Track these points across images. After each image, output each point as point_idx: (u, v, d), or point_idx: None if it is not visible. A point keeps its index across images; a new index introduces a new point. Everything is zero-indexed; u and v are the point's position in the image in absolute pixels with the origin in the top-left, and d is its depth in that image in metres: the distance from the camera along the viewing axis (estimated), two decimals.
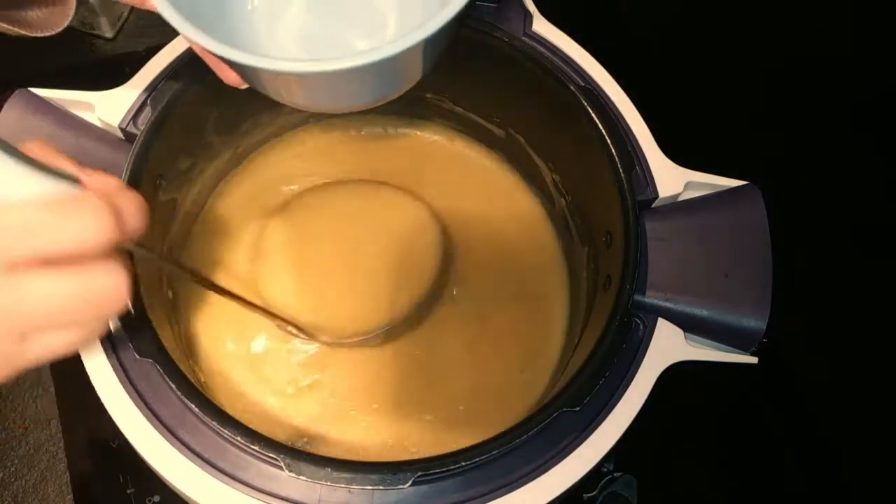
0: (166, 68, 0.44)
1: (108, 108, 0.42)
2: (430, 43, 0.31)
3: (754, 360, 0.41)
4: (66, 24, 0.43)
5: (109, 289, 0.26)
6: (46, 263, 0.25)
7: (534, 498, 0.36)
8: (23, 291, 0.25)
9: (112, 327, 0.39)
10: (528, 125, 0.52)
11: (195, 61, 0.44)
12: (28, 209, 0.24)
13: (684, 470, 0.55)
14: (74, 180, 0.27)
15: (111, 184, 0.28)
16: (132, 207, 0.27)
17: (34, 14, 0.42)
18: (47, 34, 0.42)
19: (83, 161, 0.40)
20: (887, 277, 0.52)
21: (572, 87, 0.44)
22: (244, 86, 0.37)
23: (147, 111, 0.42)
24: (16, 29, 0.40)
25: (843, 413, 0.54)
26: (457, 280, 0.52)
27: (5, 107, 0.41)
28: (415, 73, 0.36)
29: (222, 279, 0.51)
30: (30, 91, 0.42)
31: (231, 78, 0.36)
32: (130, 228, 0.27)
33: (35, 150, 0.28)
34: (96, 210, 0.25)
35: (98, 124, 0.43)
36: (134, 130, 0.42)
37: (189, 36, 0.31)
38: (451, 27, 0.31)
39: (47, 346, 0.27)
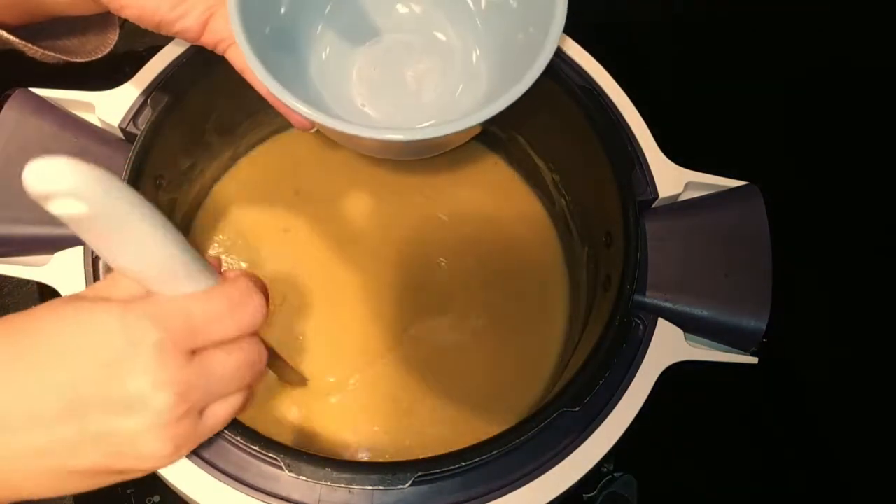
0: (166, 68, 0.44)
1: (108, 108, 0.42)
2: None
3: (754, 360, 0.41)
4: (107, 50, 0.43)
5: (260, 355, 0.31)
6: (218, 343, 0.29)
7: (534, 498, 0.36)
8: (208, 371, 0.28)
9: None
10: (529, 125, 0.51)
11: (195, 61, 0.44)
12: (210, 301, 0.28)
13: (684, 470, 0.55)
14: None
15: (248, 275, 0.32)
16: (265, 291, 0.32)
17: (72, 41, 0.42)
18: (86, 60, 0.42)
19: (84, 161, 0.41)
20: (887, 277, 0.52)
21: (572, 87, 0.44)
22: (312, 129, 0.39)
23: (147, 111, 0.42)
24: (56, 55, 0.41)
25: (843, 413, 0.54)
26: (456, 280, 0.52)
27: (5, 107, 0.41)
28: (476, 129, 0.37)
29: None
30: (30, 91, 0.42)
31: (301, 123, 0.38)
32: (266, 312, 0.31)
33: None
34: (259, 299, 0.30)
35: (98, 124, 0.43)
36: (134, 130, 0.42)
37: (290, 103, 0.34)
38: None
39: (218, 416, 0.30)
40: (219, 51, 0.37)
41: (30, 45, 0.39)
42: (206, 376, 0.28)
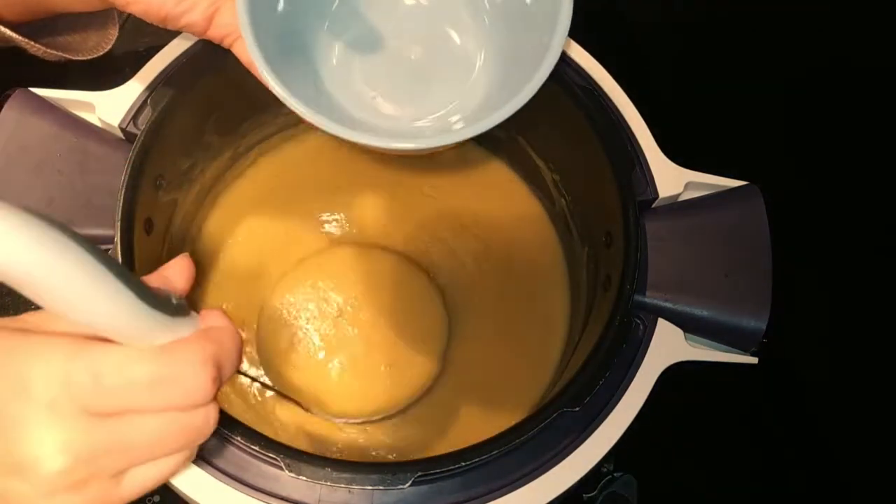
0: (166, 68, 0.44)
1: (109, 108, 0.42)
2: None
3: (754, 360, 0.41)
4: (107, 48, 0.43)
5: (206, 420, 0.27)
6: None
7: (534, 498, 0.36)
8: (122, 437, 0.25)
9: None
10: (529, 125, 0.51)
11: (195, 61, 0.44)
12: (133, 366, 0.24)
13: (684, 470, 0.55)
14: (182, 303, 0.28)
15: (218, 321, 0.29)
16: (235, 348, 0.29)
17: (73, 38, 0.42)
18: (88, 58, 0.42)
19: (83, 161, 0.41)
20: (887, 277, 0.52)
21: (572, 87, 0.44)
22: None
23: (147, 111, 0.42)
24: (57, 53, 0.41)
25: (843, 413, 0.54)
26: (456, 280, 0.52)
27: (5, 107, 0.41)
28: None
29: (221, 278, 0.51)
30: (30, 91, 0.42)
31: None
32: (230, 374, 0.28)
33: (154, 279, 0.29)
34: (203, 376, 0.26)
35: (98, 124, 0.43)
36: (134, 130, 0.42)
37: (290, 103, 0.35)
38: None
39: (143, 481, 0.27)
40: (225, 44, 0.37)
41: (32, 43, 0.39)
42: (120, 441, 0.25)
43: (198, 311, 0.30)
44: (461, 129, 0.35)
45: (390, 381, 0.47)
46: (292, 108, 0.35)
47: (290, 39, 0.39)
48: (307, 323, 0.48)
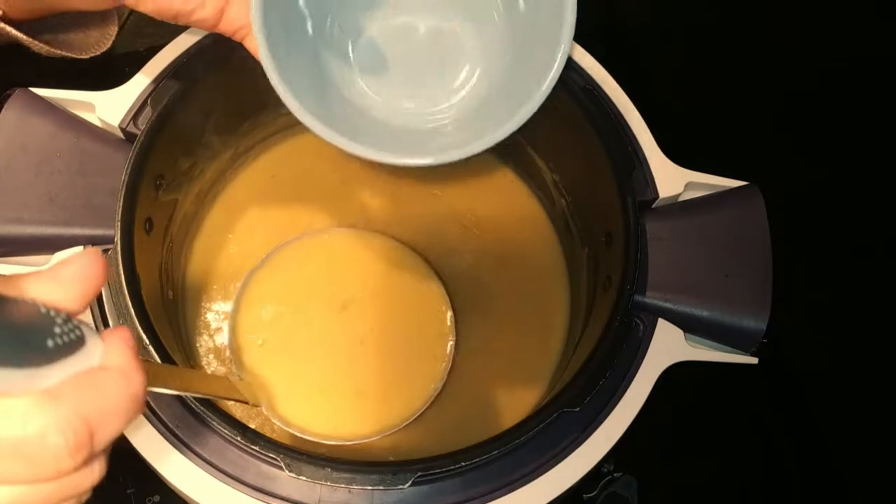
0: (166, 68, 0.44)
1: (109, 107, 0.42)
2: None
3: (754, 360, 0.41)
4: (107, 46, 0.43)
5: (78, 488, 0.22)
6: None
7: (534, 498, 0.36)
8: None
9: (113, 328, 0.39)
10: (529, 125, 0.51)
11: (195, 61, 0.44)
12: None
13: (684, 470, 0.55)
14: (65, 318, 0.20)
15: (116, 358, 0.22)
16: (124, 401, 0.22)
17: (75, 36, 0.42)
18: (89, 55, 0.42)
19: (84, 161, 0.41)
20: (887, 277, 0.52)
21: (573, 87, 0.44)
22: None
23: (147, 111, 0.42)
24: (58, 51, 0.41)
25: (843, 413, 0.54)
26: (456, 280, 0.52)
27: (5, 107, 0.41)
28: None
29: (221, 277, 0.51)
30: (30, 91, 0.42)
31: None
32: (111, 435, 0.22)
33: (36, 286, 0.21)
34: (60, 436, 0.20)
35: (98, 124, 0.43)
36: (134, 130, 0.42)
37: (296, 111, 0.36)
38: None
39: None
40: (237, 38, 0.37)
41: (35, 42, 0.39)
42: None
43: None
44: (465, 146, 0.36)
45: (390, 403, 0.45)
46: (296, 114, 0.35)
47: (302, 40, 0.39)
48: (296, 316, 0.45)
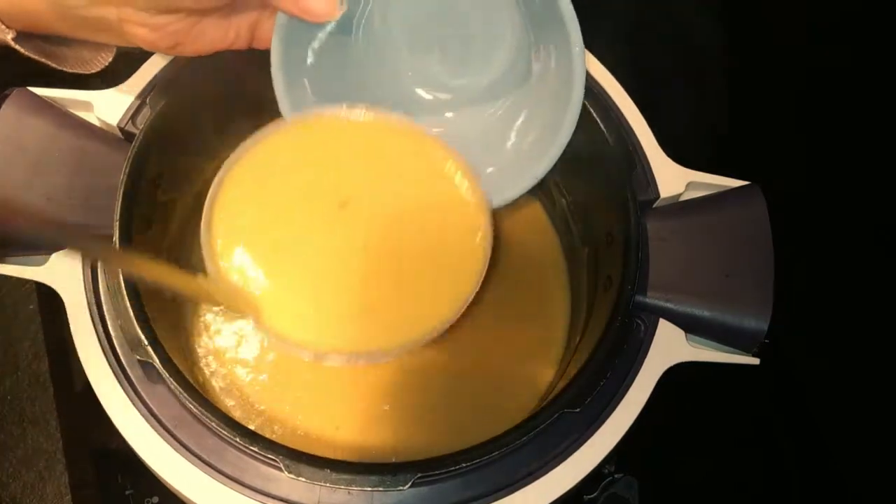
0: (165, 67, 0.44)
1: (107, 107, 0.42)
2: None
3: (756, 361, 0.41)
4: (105, 64, 0.44)
5: None
6: None
7: (534, 500, 0.36)
8: None
9: (111, 331, 0.38)
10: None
11: (194, 61, 0.44)
12: None
13: (685, 471, 0.54)
14: None
15: None
16: None
17: (73, 53, 0.42)
18: (85, 72, 0.43)
19: (82, 160, 0.41)
20: (888, 277, 0.52)
21: None
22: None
23: (146, 110, 0.42)
24: (54, 65, 0.41)
25: (843, 413, 0.54)
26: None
27: (4, 106, 0.41)
28: None
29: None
30: (29, 90, 0.42)
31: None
32: None
33: None
34: None
35: (97, 124, 0.43)
36: (133, 130, 0.42)
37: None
38: None
39: None
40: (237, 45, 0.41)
41: (51, 64, 0.40)
42: None
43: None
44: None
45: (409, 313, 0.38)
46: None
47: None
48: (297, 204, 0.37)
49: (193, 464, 0.36)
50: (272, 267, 0.38)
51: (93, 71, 0.44)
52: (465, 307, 0.39)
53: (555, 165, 0.43)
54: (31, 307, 0.52)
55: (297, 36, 0.40)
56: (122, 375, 0.37)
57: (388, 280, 0.38)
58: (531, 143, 0.44)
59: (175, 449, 0.36)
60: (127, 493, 0.50)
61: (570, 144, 0.47)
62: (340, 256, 0.38)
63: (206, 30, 0.39)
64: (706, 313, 0.41)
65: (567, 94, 0.40)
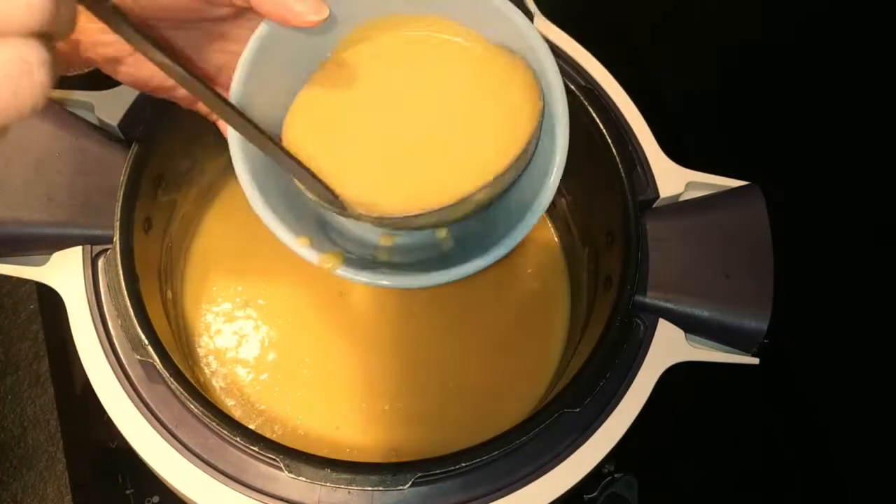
0: None
1: (108, 107, 0.42)
2: None
3: (755, 360, 0.41)
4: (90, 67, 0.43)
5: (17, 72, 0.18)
6: None
7: (534, 499, 0.36)
8: None
9: (112, 331, 0.39)
10: None
11: None
12: None
13: (685, 471, 0.55)
14: None
15: None
16: None
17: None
18: (82, 71, 0.43)
19: (82, 160, 0.41)
20: (888, 277, 0.52)
21: (573, 87, 0.44)
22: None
23: (146, 111, 0.42)
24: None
25: (843, 413, 0.54)
26: (455, 280, 0.52)
27: None
28: None
29: (222, 276, 0.51)
30: None
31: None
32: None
33: None
34: None
35: (97, 124, 0.43)
36: (133, 130, 0.42)
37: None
38: None
39: None
40: (211, 119, 0.38)
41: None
42: None
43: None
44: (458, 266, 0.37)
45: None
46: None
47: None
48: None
49: (194, 463, 0.36)
50: (342, 140, 0.36)
51: (85, 70, 0.43)
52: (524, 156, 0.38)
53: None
54: (32, 307, 0.52)
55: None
56: (122, 375, 0.37)
57: (446, 131, 0.37)
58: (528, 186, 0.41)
59: (175, 448, 0.36)
60: (127, 492, 0.50)
61: (570, 145, 0.47)
62: (400, 119, 0.37)
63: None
64: (706, 313, 0.41)
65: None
